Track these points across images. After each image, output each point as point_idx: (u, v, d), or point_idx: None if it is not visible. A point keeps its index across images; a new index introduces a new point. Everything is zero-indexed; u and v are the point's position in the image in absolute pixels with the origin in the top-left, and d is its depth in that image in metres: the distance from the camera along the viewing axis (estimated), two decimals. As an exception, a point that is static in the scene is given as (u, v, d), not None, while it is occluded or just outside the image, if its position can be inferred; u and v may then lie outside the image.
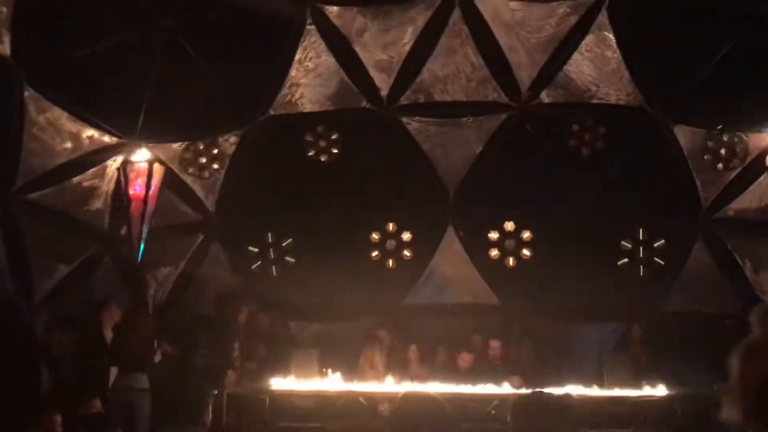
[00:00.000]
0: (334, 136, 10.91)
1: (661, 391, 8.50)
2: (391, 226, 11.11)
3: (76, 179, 9.78)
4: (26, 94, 9.07)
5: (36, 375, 8.06)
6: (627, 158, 10.26)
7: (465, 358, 9.85)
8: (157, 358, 8.42)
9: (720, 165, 10.13)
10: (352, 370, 9.40)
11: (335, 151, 10.94)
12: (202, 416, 4.34)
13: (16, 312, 8.89)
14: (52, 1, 8.73)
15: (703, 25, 9.10)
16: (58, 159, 9.60)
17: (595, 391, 8.49)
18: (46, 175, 9.56)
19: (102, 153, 9.78)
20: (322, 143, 10.94)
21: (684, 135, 10.14)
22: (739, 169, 10.12)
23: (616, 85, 9.94)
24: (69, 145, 9.58)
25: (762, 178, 9.92)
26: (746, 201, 10.20)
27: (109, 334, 8.43)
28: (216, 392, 7.72)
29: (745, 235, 10.36)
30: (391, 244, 11.09)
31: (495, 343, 9.86)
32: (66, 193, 9.80)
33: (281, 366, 9.15)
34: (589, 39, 9.54)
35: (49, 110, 9.30)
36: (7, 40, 8.72)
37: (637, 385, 8.66)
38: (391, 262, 11.05)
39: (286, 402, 8.83)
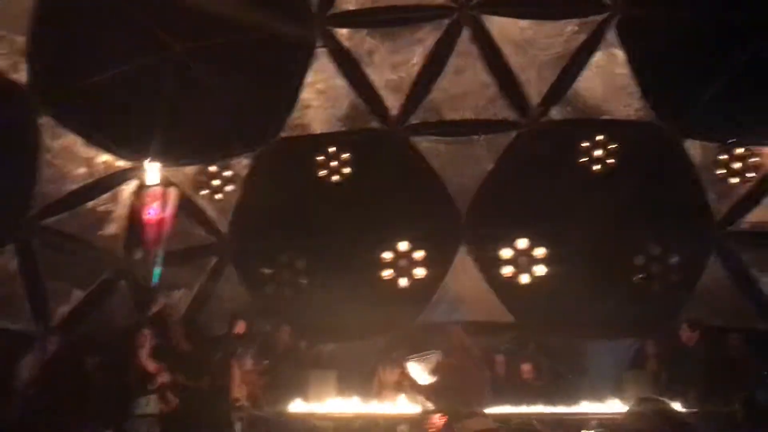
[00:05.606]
0: (345, 157, 10.99)
1: (677, 407, 8.40)
2: (403, 246, 11.13)
3: (90, 204, 9.89)
4: (41, 121, 9.21)
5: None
6: (639, 174, 10.24)
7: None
8: (161, 380, 8.35)
9: (733, 179, 10.12)
10: (366, 390, 9.34)
11: (347, 171, 11.02)
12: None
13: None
14: (66, 30, 8.82)
15: (712, 40, 9.11)
16: (73, 184, 9.71)
17: (614, 408, 8.40)
18: (61, 200, 9.67)
19: (116, 177, 9.91)
20: (334, 164, 11.04)
21: (695, 149, 10.14)
22: (753, 182, 10.10)
23: (625, 101, 9.95)
24: (83, 170, 9.68)
25: (775, 190, 9.91)
26: (760, 214, 10.15)
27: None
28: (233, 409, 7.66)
29: (759, 247, 10.30)
30: (403, 263, 11.11)
31: (527, 366, 9.81)
32: (81, 218, 9.88)
33: (299, 387, 9.12)
34: (598, 56, 9.58)
35: (64, 136, 9.43)
36: (23, 68, 8.85)
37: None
38: (404, 281, 11.05)
39: (304, 424, 8.78)
